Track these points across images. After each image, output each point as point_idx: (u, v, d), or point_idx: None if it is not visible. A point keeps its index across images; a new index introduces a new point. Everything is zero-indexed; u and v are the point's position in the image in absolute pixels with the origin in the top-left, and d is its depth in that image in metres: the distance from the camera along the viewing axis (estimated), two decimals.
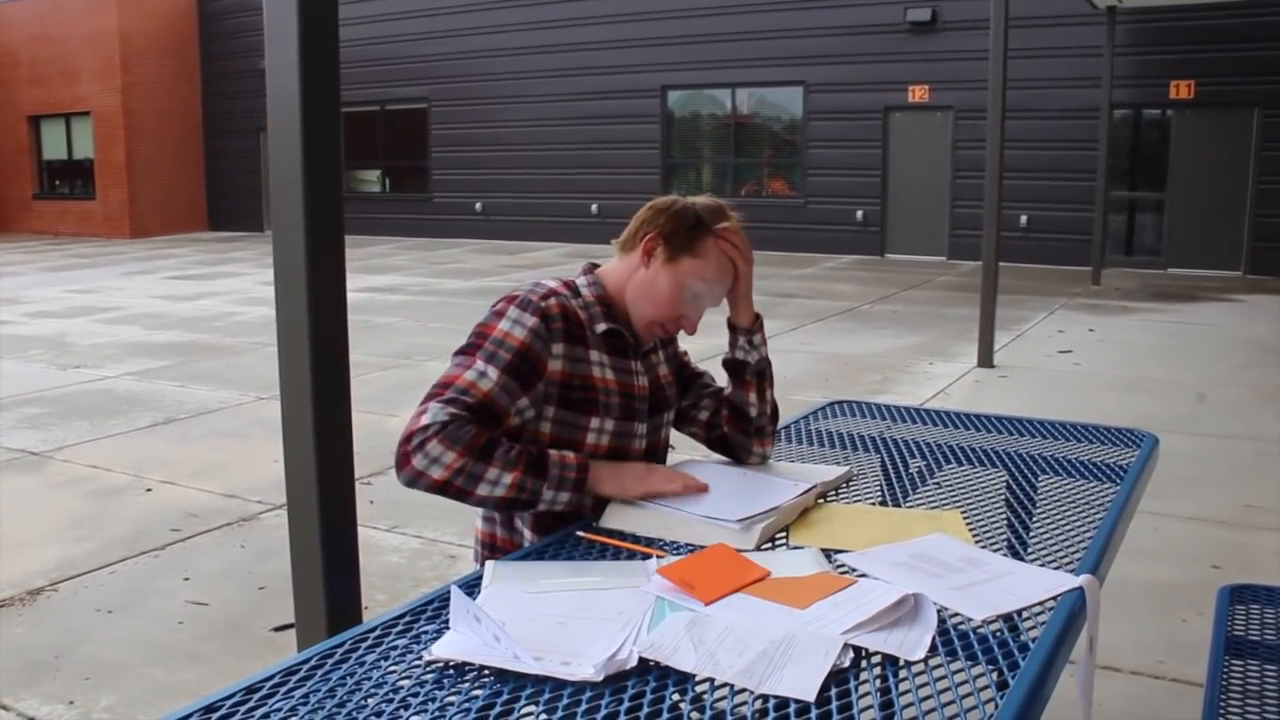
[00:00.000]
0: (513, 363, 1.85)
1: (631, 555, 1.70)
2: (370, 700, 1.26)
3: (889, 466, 2.24)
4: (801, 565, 1.62)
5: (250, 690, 1.28)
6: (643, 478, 1.89)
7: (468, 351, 1.87)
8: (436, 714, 1.23)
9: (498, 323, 1.88)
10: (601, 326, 1.97)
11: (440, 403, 1.79)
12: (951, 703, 1.24)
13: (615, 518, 1.83)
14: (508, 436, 1.87)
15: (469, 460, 1.75)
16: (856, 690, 1.27)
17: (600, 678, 1.28)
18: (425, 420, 1.76)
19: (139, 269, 16.18)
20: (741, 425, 2.12)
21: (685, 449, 2.30)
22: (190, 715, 1.22)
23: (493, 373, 1.83)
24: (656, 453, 2.10)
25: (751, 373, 2.11)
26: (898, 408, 2.79)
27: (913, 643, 1.37)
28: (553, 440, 1.92)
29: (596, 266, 2.07)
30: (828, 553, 1.69)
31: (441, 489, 1.76)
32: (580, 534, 1.79)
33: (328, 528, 2.00)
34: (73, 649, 3.51)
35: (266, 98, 1.94)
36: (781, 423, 2.55)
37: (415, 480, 1.76)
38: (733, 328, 2.12)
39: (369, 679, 1.31)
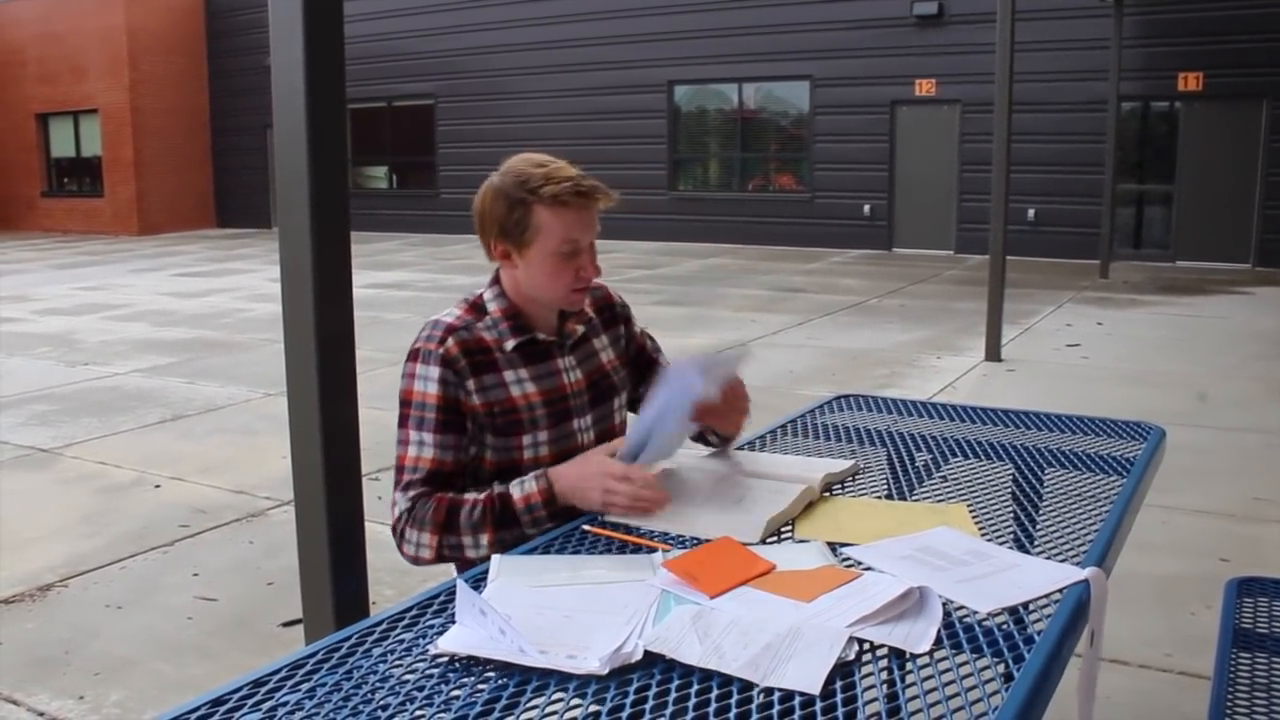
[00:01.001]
0: (440, 420, 1.91)
1: (637, 549, 1.70)
2: (376, 694, 1.26)
3: (895, 460, 2.24)
4: (807, 558, 1.62)
5: (257, 684, 1.29)
6: (603, 496, 1.83)
7: (402, 424, 1.94)
8: (442, 707, 1.23)
9: (412, 385, 1.93)
10: (511, 343, 1.97)
11: (400, 491, 1.91)
12: (957, 695, 1.25)
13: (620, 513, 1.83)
14: (460, 473, 1.95)
15: (442, 535, 1.86)
16: (861, 683, 1.27)
17: (606, 671, 1.28)
18: (396, 511, 1.90)
19: (147, 266, 16.22)
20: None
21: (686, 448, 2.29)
22: (198, 708, 1.23)
23: (428, 438, 1.90)
24: (609, 438, 2.09)
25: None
26: (904, 401, 2.79)
27: (918, 635, 1.37)
28: (495, 466, 1.97)
29: (499, 276, 2.05)
30: (833, 546, 1.69)
31: (441, 561, 1.90)
32: (586, 528, 1.79)
33: (335, 523, 2.01)
34: (82, 644, 3.53)
35: (272, 95, 1.94)
36: (788, 416, 2.56)
37: (416, 562, 1.92)
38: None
39: (375, 673, 1.31)
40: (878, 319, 10.27)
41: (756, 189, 18.15)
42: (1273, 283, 12.84)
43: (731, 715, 1.20)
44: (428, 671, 1.32)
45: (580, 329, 2.08)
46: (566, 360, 2.04)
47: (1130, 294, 12.00)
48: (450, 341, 1.92)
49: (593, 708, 1.23)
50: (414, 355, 1.94)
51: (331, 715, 1.22)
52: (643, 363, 2.20)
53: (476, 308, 2.01)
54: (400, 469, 1.92)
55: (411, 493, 1.89)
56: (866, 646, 1.35)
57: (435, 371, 1.91)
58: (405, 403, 1.93)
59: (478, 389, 1.92)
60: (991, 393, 7.07)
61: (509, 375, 1.96)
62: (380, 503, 4.81)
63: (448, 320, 1.97)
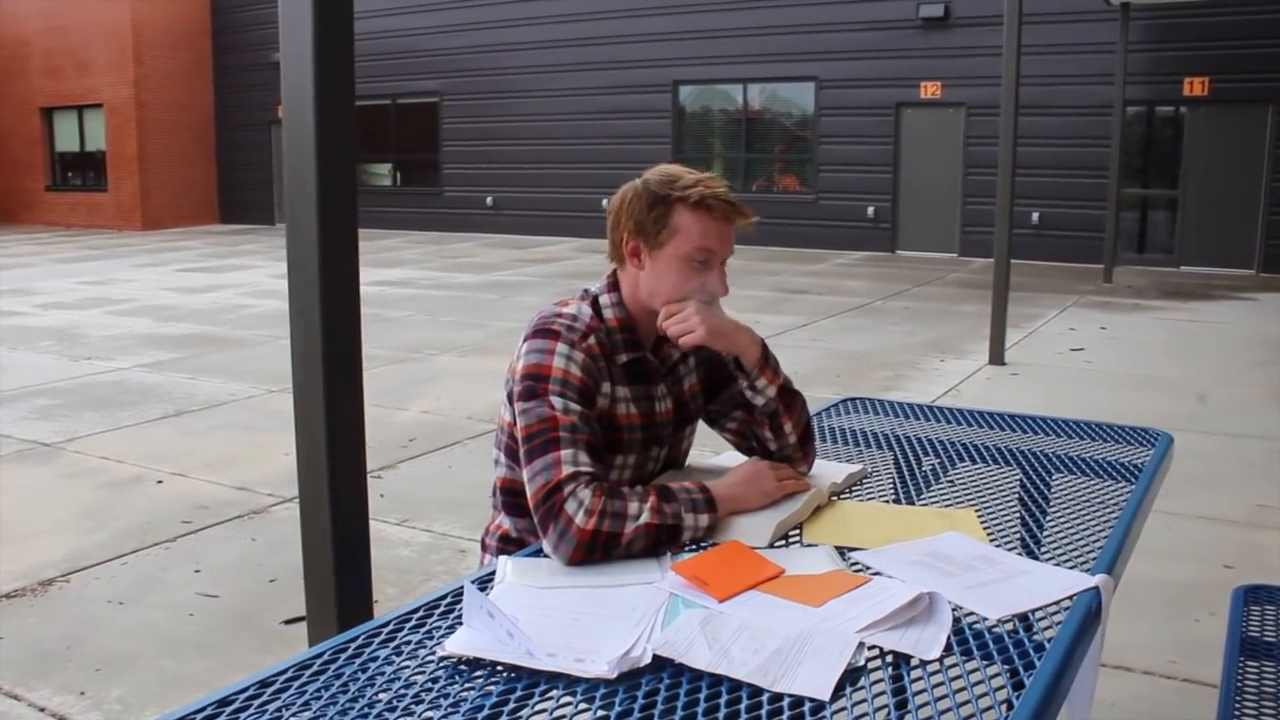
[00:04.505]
0: (582, 396, 1.79)
1: None
2: (383, 695, 1.25)
3: (902, 464, 2.23)
4: (815, 563, 1.62)
5: (264, 684, 1.28)
6: (763, 494, 1.83)
7: (534, 396, 1.77)
8: (450, 709, 1.22)
9: (551, 360, 1.80)
10: (623, 358, 1.90)
11: (550, 454, 1.73)
12: (967, 702, 1.24)
13: None
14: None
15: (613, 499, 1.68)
16: (871, 689, 1.26)
17: (614, 675, 1.27)
18: (562, 471, 1.70)
19: (150, 261, 16.22)
20: (767, 455, 2.00)
21: (700, 442, 2.29)
22: (204, 708, 1.22)
23: (574, 406, 1.77)
24: (674, 465, 2.06)
25: (761, 414, 1.98)
26: (910, 405, 2.78)
27: (928, 641, 1.36)
28: None
29: (617, 281, 1.96)
30: (841, 551, 1.68)
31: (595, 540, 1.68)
32: None
33: (339, 521, 2.00)
34: (84, 640, 3.52)
35: (281, 90, 1.93)
36: None
37: (571, 532, 1.65)
38: (737, 365, 1.98)
39: (382, 674, 1.31)
40: (881, 321, 10.26)
41: (760, 190, 18.14)
42: (1277, 288, 12.82)
43: None
44: (435, 673, 1.31)
45: (675, 354, 2.01)
46: (660, 388, 1.97)
47: (1134, 298, 11.98)
48: (592, 340, 1.84)
49: (600, 712, 1.23)
50: (550, 334, 1.82)
51: (338, 716, 1.21)
52: (722, 378, 2.06)
53: (594, 306, 1.92)
54: (538, 433, 1.74)
55: (575, 451, 1.71)
56: (876, 652, 1.34)
57: (580, 357, 1.81)
58: (540, 377, 1.78)
59: (600, 395, 1.85)
60: (995, 396, 7.06)
61: (620, 392, 1.89)
62: (383, 500, 4.82)
63: (586, 318, 1.87)
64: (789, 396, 1.99)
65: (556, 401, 1.76)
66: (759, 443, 2.01)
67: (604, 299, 1.93)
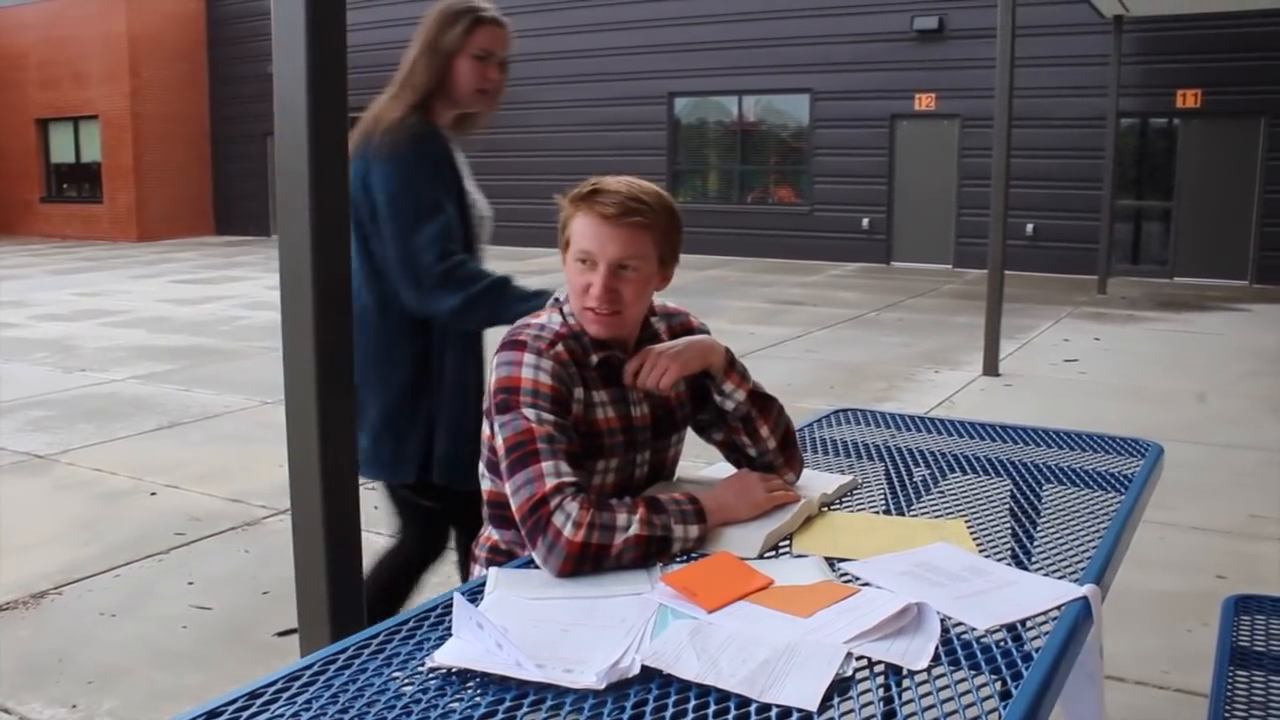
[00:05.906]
0: (554, 405, 1.80)
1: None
2: (373, 707, 1.26)
3: (893, 475, 2.24)
4: (804, 573, 1.62)
5: (253, 695, 1.28)
6: (753, 505, 1.85)
7: (508, 408, 1.79)
8: None
9: (519, 372, 1.80)
10: (595, 357, 1.90)
11: (530, 468, 1.73)
12: (954, 713, 1.24)
13: None
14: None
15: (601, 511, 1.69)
16: (859, 699, 1.27)
17: (603, 686, 1.28)
18: (546, 484, 1.71)
19: (145, 272, 16.21)
20: (749, 462, 2.02)
21: (691, 453, 2.29)
22: None
23: (547, 416, 1.78)
24: (661, 473, 2.05)
25: (734, 419, 1.99)
26: (902, 416, 2.79)
27: (916, 652, 1.36)
28: None
29: None
30: (831, 561, 1.68)
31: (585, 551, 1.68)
32: None
33: (332, 532, 2.00)
34: (76, 652, 3.52)
35: (274, 102, 1.94)
36: None
37: (561, 544, 1.66)
38: (705, 373, 1.99)
39: (372, 685, 1.31)
40: (876, 332, 10.28)
41: (755, 201, 18.17)
42: (1270, 299, 12.86)
43: None
44: (425, 684, 1.31)
45: (598, 328, 1.99)
46: (635, 393, 1.95)
47: (1128, 310, 12.01)
48: (560, 346, 1.84)
49: None
50: (517, 346, 1.84)
51: None
52: (705, 389, 2.03)
53: (561, 313, 1.94)
54: (516, 446, 1.75)
55: (555, 462, 1.72)
56: (864, 662, 1.35)
57: (548, 365, 1.81)
58: (511, 390, 1.79)
59: (574, 400, 1.85)
60: (989, 407, 7.07)
61: (596, 395, 1.89)
62: (376, 511, 4.80)
63: (555, 326, 1.89)
64: (761, 401, 2.00)
65: (530, 413, 1.77)
66: (740, 451, 2.02)
67: (567, 306, 1.95)
